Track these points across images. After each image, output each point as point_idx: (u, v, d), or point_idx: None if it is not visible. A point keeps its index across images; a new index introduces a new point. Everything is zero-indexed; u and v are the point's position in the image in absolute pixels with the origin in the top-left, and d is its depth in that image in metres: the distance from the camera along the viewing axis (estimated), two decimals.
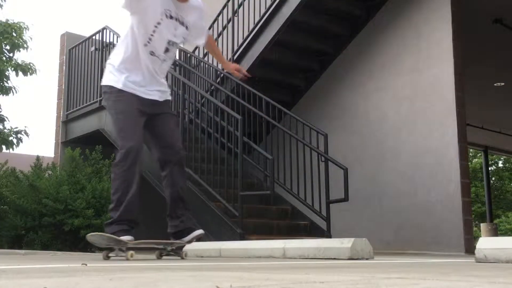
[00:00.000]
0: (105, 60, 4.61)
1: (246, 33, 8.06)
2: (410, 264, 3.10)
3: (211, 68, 8.46)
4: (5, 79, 9.14)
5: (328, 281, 1.66)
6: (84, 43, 8.89)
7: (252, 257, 4.22)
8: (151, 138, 4.10)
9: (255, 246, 4.42)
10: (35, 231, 6.51)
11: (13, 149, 9.15)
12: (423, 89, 7.22)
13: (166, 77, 7.30)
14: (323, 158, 6.26)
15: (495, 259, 3.09)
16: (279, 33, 7.72)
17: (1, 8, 9.51)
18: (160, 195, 6.62)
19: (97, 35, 8.51)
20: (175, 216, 4.06)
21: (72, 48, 9.19)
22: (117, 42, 4.01)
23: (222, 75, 8.21)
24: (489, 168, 23.28)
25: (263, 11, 7.81)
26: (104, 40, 8.31)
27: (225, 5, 8.46)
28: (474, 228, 19.14)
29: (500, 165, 33.19)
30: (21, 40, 9.18)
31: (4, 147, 9.01)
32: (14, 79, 9.40)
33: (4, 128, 9.19)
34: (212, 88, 8.09)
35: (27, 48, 9.27)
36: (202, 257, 4.52)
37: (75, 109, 8.89)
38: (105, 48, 8.17)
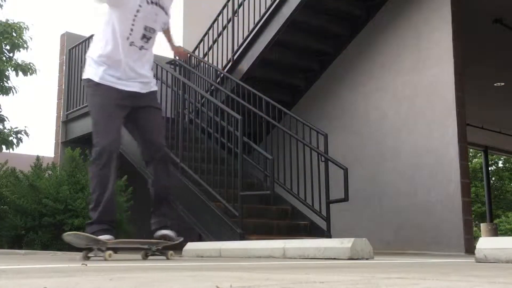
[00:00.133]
0: None
1: (246, 33, 8.06)
2: (410, 264, 3.10)
3: (211, 68, 8.47)
4: (5, 79, 9.14)
5: (328, 281, 1.66)
6: (84, 43, 8.88)
7: (252, 257, 4.22)
8: (135, 132, 3.99)
9: (255, 246, 4.41)
10: (35, 231, 6.51)
11: (13, 149, 9.15)
12: (423, 89, 7.22)
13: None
14: (323, 158, 6.26)
15: (495, 259, 3.09)
16: (279, 33, 7.72)
17: (1, 8, 9.51)
18: None
19: None
20: (158, 214, 3.95)
21: (72, 48, 9.18)
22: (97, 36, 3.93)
23: (222, 75, 8.21)
24: (489, 168, 23.28)
25: (263, 11, 7.81)
26: None
27: (225, 5, 8.46)
28: (474, 228, 19.14)
29: (500, 165, 33.20)
30: (21, 40, 9.18)
31: (4, 147, 9.01)
32: (14, 79, 9.40)
33: (4, 128, 9.19)
34: (212, 88, 8.09)
35: (27, 48, 9.27)
36: (202, 257, 4.51)
37: (75, 109, 8.88)
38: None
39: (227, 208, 5.76)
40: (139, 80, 3.87)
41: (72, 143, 8.67)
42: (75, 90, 8.96)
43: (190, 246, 4.93)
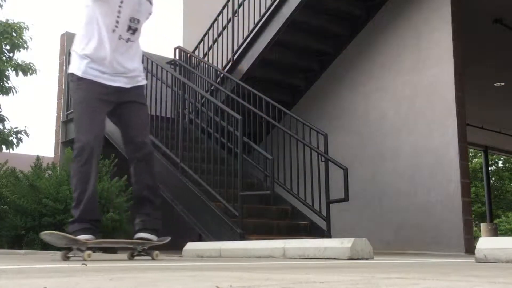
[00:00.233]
0: None
1: (246, 33, 8.06)
2: (410, 264, 3.10)
3: (211, 68, 8.47)
4: (5, 79, 9.14)
5: (328, 281, 1.66)
6: None
7: (252, 257, 4.22)
8: (119, 128, 3.88)
9: (255, 246, 4.41)
10: (35, 231, 6.50)
11: (13, 149, 9.15)
12: (423, 89, 7.22)
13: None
14: (323, 158, 6.26)
15: (495, 259, 3.09)
16: (279, 33, 7.72)
17: (1, 8, 9.51)
18: (162, 196, 6.63)
19: None
20: (141, 215, 3.83)
21: None
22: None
23: (222, 75, 8.21)
24: (489, 168, 23.27)
25: (263, 11, 7.82)
26: None
27: (225, 5, 8.46)
28: (474, 228, 19.14)
29: (500, 165, 33.20)
30: (21, 40, 9.18)
31: (4, 147, 9.01)
32: (14, 79, 9.40)
33: (4, 128, 9.19)
34: (212, 88, 8.09)
35: (27, 48, 9.27)
36: (202, 257, 4.51)
37: None
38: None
39: (227, 208, 5.76)
40: (126, 74, 3.75)
41: (72, 143, 8.64)
42: None
43: (190, 246, 4.93)
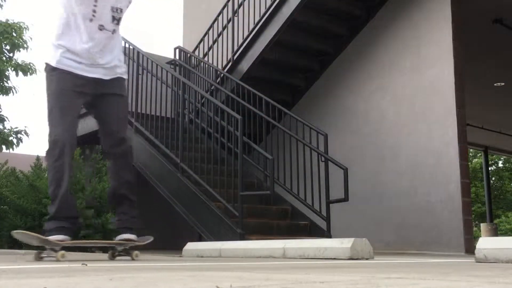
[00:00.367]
0: None
1: (246, 33, 8.06)
2: (410, 264, 3.10)
3: (211, 68, 8.47)
4: (5, 79, 9.14)
5: (328, 281, 1.66)
6: None
7: (252, 257, 4.22)
8: (97, 120, 3.73)
9: (255, 246, 4.41)
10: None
11: (13, 149, 9.15)
12: (423, 89, 7.22)
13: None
14: (323, 158, 6.26)
15: (495, 259, 3.09)
16: (279, 33, 7.71)
17: (1, 8, 9.51)
18: (162, 196, 6.63)
19: None
20: (119, 213, 3.71)
21: None
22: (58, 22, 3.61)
23: (222, 75, 8.21)
24: (489, 168, 23.27)
25: (263, 11, 7.81)
26: None
27: (225, 5, 8.45)
28: (474, 228, 19.15)
29: (500, 165, 33.20)
30: (21, 40, 9.19)
31: (4, 147, 9.01)
32: (14, 79, 9.41)
33: (4, 128, 9.20)
34: (212, 88, 8.09)
35: (27, 48, 9.27)
36: (202, 257, 4.51)
37: None
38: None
39: (227, 208, 5.76)
40: (105, 65, 3.60)
41: None
42: None
43: (190, 246, 4.93)
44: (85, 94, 3.56)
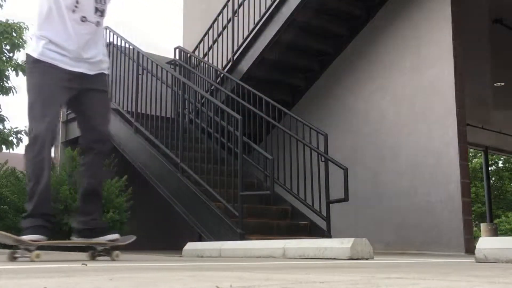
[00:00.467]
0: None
1: (246, 33, 8.06)
2: (410, 264, 3.10)
3: (211, 68, 8.47)
4: (5, 79, 9.15)
5: (328, 281, 1.66)
6: None
7: (252, 257, 4.22)
8: (78, 115, 3.65)
9: (255, 246, 4.41)
10: None
11: (13, 149, 9.17)
12: (423, 89, 7.22)
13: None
14: (323, 158, 6.26)
15: (495, 259, 3.09)
16: (279, 33, 7.72)
17: (1, 8, 9.52)
18: (162, 196, 6.63)
19: None
20: (86, 212, 3.57)
21: None
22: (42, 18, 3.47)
23: (222, 75, 8.21)
24: (489, 168, 23.27)
25: (263, 11, 7.82)
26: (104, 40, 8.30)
27: (225, 5, 8.46)
28: (474, 228, 19.14)
29: (500, 165, 33.20)
30: (21, 40, 9.19)
31: (4, 147, 9.02)
32: (14, 79, 9.41)
33: (4, 128, 9.20)
34: (212, 88, 8.09)
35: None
36: (202, 257, 4.51)
37: None
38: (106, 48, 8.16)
39: (227, 208, 5.76)
40: (89, 60, 3.50)
41: (72, 143, 8.65)
42: None
43: (190, 246, 4.93)
44: (70, 89, 3.46)
